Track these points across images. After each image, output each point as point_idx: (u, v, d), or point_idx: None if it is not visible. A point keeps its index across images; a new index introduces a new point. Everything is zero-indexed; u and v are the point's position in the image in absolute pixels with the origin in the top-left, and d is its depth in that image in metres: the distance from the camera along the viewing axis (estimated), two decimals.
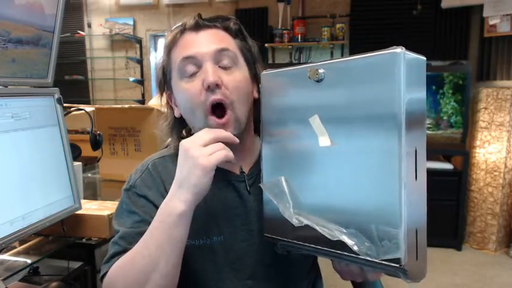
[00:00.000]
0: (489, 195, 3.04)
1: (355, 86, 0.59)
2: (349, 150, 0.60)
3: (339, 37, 3.60)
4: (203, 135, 0.67)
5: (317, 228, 0.62)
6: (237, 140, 0.71)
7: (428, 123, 3.13)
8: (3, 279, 0.97)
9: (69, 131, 1.14)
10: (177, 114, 0.82)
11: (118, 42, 4.40)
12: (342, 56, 3.13)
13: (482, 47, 3.31)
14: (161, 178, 0.79)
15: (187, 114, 0.79)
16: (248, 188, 0.80)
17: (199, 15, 0.78)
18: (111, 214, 1.17)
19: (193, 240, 0.75)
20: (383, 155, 0.56)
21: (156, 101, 1.86)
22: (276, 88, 0.71)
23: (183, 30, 0.78)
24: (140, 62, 4.38)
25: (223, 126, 0.73)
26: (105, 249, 0.95)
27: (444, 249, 3.03)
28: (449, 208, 3.03)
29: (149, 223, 0.69)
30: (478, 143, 3.10)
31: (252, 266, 0.78)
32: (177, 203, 0.65)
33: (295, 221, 0.65)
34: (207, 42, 0.75)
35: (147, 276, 0.66)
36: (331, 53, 3.74)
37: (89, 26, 4.42)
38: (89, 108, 1.52)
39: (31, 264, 1.08)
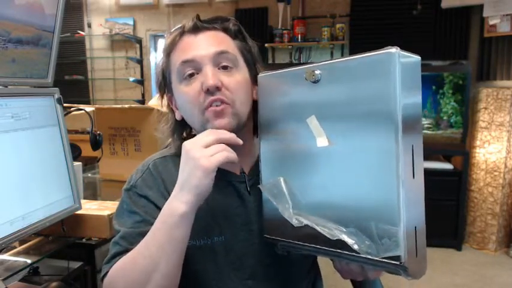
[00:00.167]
0: (489, 195, 3.04)
1: (351, 86, 0.60)
2: (346, 150, 0.61)
3: (339, 37, 3.60)
4: (205, 136, 0.67)
5: (317, 227, 0.62)
6: (241, 142, 0.70)
7: (429, 123, 3.13)
8: (3, 279, 0.97)
9: (69, 131, 1.14)
10: (178, 117, 0.82)
11: (118, 42, 4.40)
12: (342, 56, 3.13)
13: (482, 47, 3.31)
14: (162, 178, 0.79)
15: (187, 117, 0.79)
16: (248, 188, 0.80)
17: (198, 17, 0.77)
18: (111, 214, 1.17)
19: (195, 240, 0.75)
20: (380, 153, 0.57)
21: (156, 101, 1.87)
22: (273, 90, 0.71)
23: (182, 32, 0.77)
24: (140, 62, 4.38)
25: (222, 126, 0.72)
26: (105, 249, 0.95)
27: (444, 249, 3.03)
28: (449, 208, 3.03)
29: (150, 223, 0.69)
30: (478, 143, 3.10)
31: (252, 266, 0.78)
32: (178, 204, 0.65)
33: (294, 221, 0.65)
34: (206, 45, 0.75)
35: (148, 277, 0.66)
36: (331, 53, 3.74)
37: (89, 26, 4.43)
38: (89, 108, 1.52)
39: (31, 264, 1.07)
